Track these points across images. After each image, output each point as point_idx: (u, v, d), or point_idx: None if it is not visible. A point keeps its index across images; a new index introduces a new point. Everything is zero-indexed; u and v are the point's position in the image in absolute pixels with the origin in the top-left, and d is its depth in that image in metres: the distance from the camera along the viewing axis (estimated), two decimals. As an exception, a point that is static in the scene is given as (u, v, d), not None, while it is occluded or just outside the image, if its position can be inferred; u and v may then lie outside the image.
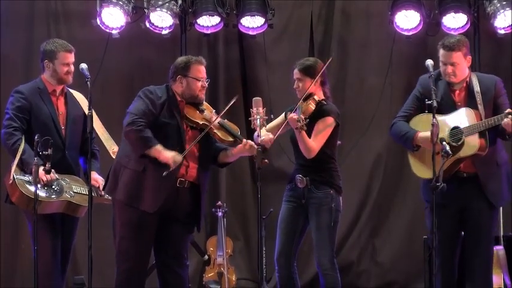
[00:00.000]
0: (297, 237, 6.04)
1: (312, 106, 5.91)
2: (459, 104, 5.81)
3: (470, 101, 5.78)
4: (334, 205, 5.94)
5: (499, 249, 7.28)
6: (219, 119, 5.62)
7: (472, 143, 5.66)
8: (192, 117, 5.57)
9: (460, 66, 5.80)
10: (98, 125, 6.07)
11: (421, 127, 5.82)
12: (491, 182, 5.75)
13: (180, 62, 5.68)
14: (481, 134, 5.66)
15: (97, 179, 6.01)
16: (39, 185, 5.63)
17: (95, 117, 5.87)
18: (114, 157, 5.90)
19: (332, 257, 5.94)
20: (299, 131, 5.74)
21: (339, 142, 6.11)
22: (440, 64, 5.84)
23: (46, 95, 6.01)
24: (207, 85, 5.67)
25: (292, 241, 6.02)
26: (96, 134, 6.05)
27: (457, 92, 5.85)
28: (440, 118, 5.65)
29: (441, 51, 5.82)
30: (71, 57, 6.03)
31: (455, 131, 5.71)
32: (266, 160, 5.56)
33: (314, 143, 5.88)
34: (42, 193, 5.71)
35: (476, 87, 5.78)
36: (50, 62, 6.01)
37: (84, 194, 5.93)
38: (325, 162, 5.97)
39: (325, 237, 5.92)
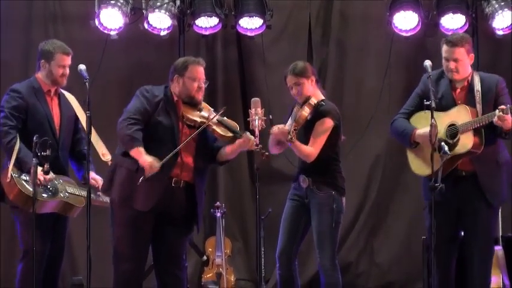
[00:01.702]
0: (299, 236, 6.06)
1: (306, 112, 5.89)
2: (459, 102, 5.81)
3: (469, 99, 5.78)
4: (336, 206, 5.95)
5: (498, 250, 7.28)
6: (218, 117, 5.61)
7: (466, 141, 5.66)
8: (190, 116, 5.57)
9: (462, 63, 5.81)
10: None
11: (422, 124, 5.81)
12: (491, 180, 5.74)
13: (178, 62, 5.72)
14: (476, 132, 5.66)
15: (96, 178, 6.01)
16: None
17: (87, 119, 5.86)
18: (103, 159, 5.94)
19: (333, 257, 5.96)
20: (290, 142, 5.76)
21: (343, 137, 6.10)
22: (443, 61, 5.84)
23: (41, 94, 6.00)
24: (204, 87, 5.68)
25: (294, 239, 6.04)
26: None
27: (458, 90, 5.86)
28: (438, 115, 5.64)
29: (444, 47, 5.83)
30: (68, 60, 6.04)
31: (452, 128, 5.70)
32: (267, 153, 5.56)
33: (311, 148, 5.88)
34: (38, 193, 5.69)
35: (477, 86, 5.78)
36: (46, 63, 6.01)
37: (78, 194, 5.94)
38: (328, 164, 5.98)
39: (326, 237, 5.94)
